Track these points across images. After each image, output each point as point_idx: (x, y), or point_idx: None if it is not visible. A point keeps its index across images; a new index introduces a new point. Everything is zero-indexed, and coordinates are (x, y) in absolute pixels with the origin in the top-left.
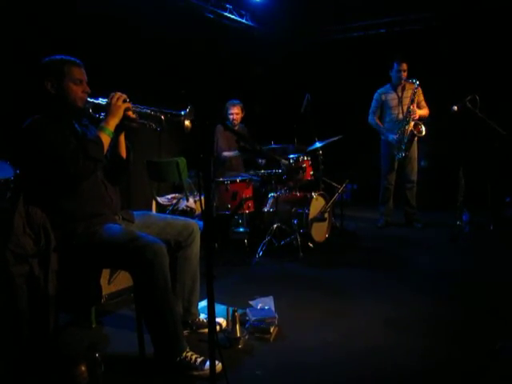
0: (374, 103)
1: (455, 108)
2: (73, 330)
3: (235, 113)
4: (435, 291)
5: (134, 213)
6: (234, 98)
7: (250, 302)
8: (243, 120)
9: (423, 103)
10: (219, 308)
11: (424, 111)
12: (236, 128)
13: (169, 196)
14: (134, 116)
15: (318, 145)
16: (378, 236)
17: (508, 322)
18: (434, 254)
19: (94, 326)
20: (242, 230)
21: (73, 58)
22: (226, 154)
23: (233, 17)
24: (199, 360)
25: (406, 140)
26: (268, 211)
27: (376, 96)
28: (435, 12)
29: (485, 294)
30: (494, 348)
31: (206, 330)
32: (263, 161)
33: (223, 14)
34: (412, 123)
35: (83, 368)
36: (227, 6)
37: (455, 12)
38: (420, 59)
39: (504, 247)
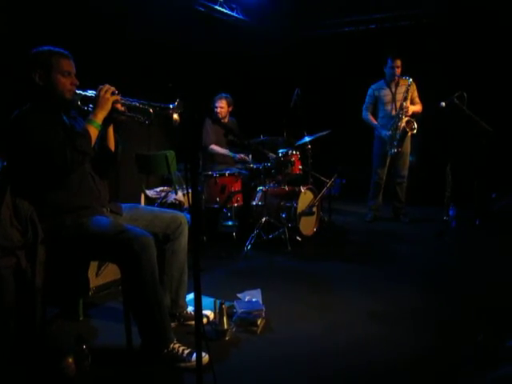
0: (367, 99)
1: (443, 104)
2: (60, 323)
3: (220, 106)
4: (421, 285)
5: (122, 205)
6: (224, 92)
7: (238, 295)
8: (234, 113)
9: (417, 99)
10: (207, 300)
11: (417, 107)
12: (224, 121)
13: (157, 189)
14: (122, 109)
15: (306, 139)
16: (365, 230)
17: (490, 315)
18: (420, 248)
19: (81, 318)
20: (230, 223)
21: (61, 50)
22: (214, 148)
23: (223, 10)
24: (186, 352)
25: (398, 136)
26: (256, 205)
27: (370, 92)
28: (425, 9)
29: (469, 287)
30: (476, 340)
31: (194, 323)
32: (250, 157)
33: (214, 7)
34: (405, 120)
35: (71, 360)
36: None
37: (445, 9)
38: (410, 55)
39: (489, 242)
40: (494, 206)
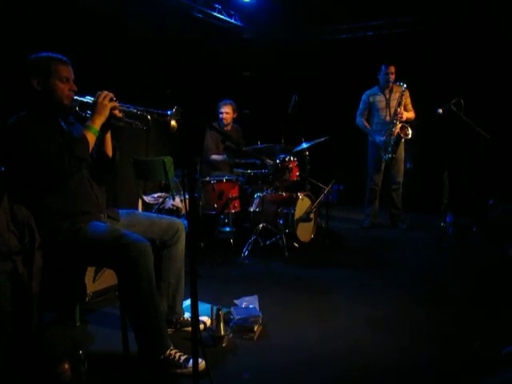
0: (361, 105)
1: (440, 111)
2: (57, 328)
3: (225, 112)
4: (419, 291)
5: (120, 211)
6: (227, 98)
7: (235, 301)
8: (237, 120)
9: (410, 106)
10: (204, 307)
11: (410, 114)
12: (228, 128)
13: (155, 195)
14: (120, 115)
15: (304, 145)
16: (362, 237)
17: (487, 322)
18: (418, 254)
19: (78, 324)
20: (227, 229)
21: (60, 56)
22: (214, 157)
23: (221, 17)
24: (183, 358)
25: (392, 142)
26: (254, 211)
27: (364, 97)
28: (422, 16)
29: (467, 294)
30: (473, 346)
31: (190, 329)
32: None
33: (212, 14)
34: (399, 126)
35: (67, 366)
36: (216, 5)
37: (442, 16)
38: (406, 62)
39: (487, 249)
40: (492, 212)
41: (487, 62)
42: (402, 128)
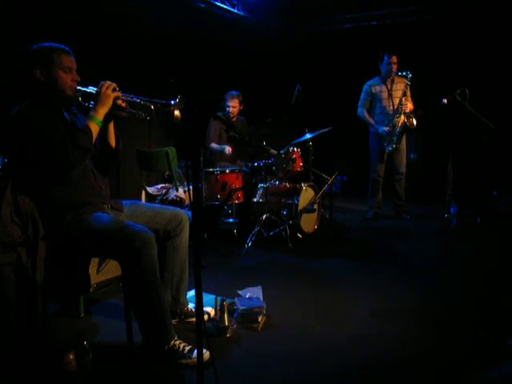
0: (363, 95)
1: (445, 101)
2: (61, 319)
3: (232, 106)
4: (422, 282)
5: (123, 202)
6: (234, 90)
7: (239, 292)
8: (243, 111)
9: (409, 98)
10: (207, 297)
11: (410, 105)
12: (234, 119)
13: (158, 186)
14: (123, 105)
15: (308, 136)
16: (366, 227)
17: (491, 312)
18: (421, 245)
19: (82, 315)
20: (231, 220)
21: (62, 46)
22: (213, 146)
23: (224, 6)
24: (187, 348)
25: (397, 132)
26: (257, 202)
27: (365, 88)
28: (427, 5)
29: (470, 284)
30: (477, 337)
31: (195, 319)
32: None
33: (215, 4)
34: (403, 116)
35: (71, 356)
36: None
37: (447, 5)
38: (411, 52)
39: (490, 240)
40: (495, 203)
41: (492, 51)
42: (407, 118)
